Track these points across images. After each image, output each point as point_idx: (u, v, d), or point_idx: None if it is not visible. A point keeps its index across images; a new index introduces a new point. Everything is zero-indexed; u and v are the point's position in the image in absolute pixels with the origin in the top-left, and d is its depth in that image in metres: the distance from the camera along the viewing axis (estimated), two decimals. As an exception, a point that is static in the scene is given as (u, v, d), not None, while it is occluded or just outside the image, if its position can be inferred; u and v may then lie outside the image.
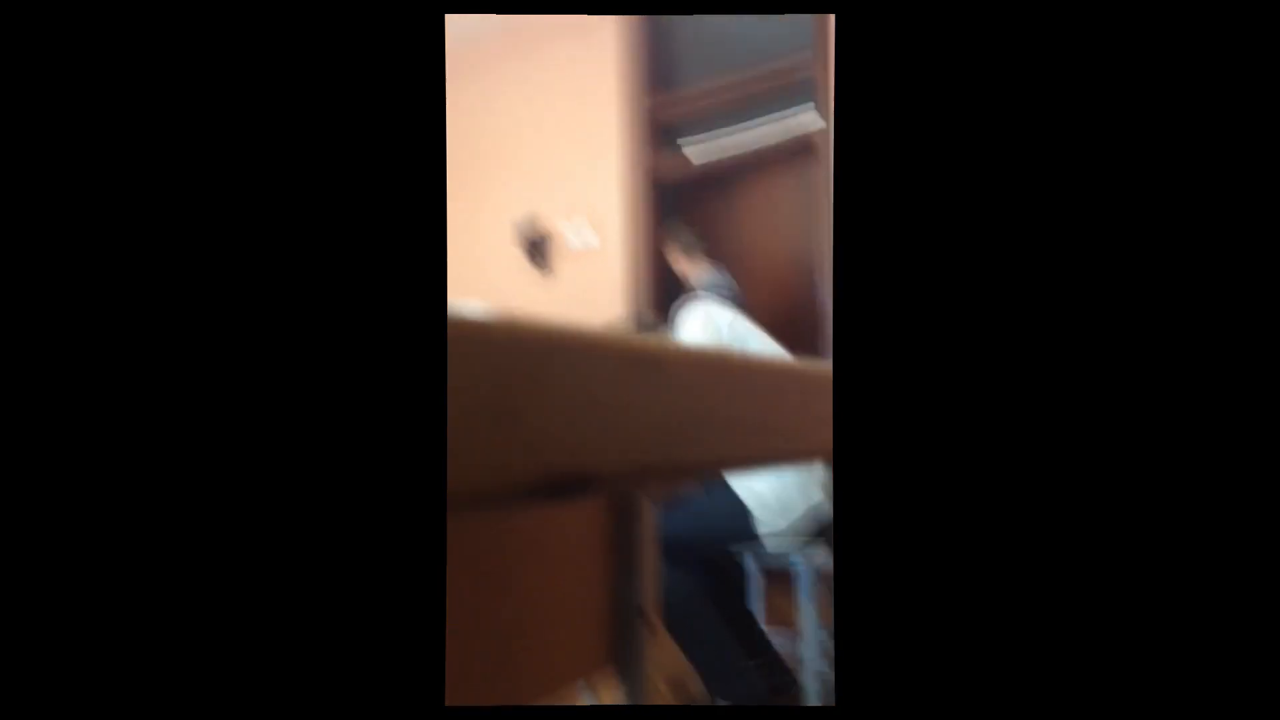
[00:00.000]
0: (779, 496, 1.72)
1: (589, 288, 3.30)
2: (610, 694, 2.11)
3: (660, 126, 3.17)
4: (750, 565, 2.26)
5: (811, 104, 2.75)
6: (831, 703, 1.89)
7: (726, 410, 0.24)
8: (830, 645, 2.14)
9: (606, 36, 3.14)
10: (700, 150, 3.12)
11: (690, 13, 2.85)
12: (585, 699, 1.78)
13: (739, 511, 1.72)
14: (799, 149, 2.83)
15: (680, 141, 3.14)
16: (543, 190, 3.37)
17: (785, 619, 2.27)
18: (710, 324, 1.72)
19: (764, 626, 1.87)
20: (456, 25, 3.37)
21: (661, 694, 1.99)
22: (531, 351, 0.18)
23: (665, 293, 3.00)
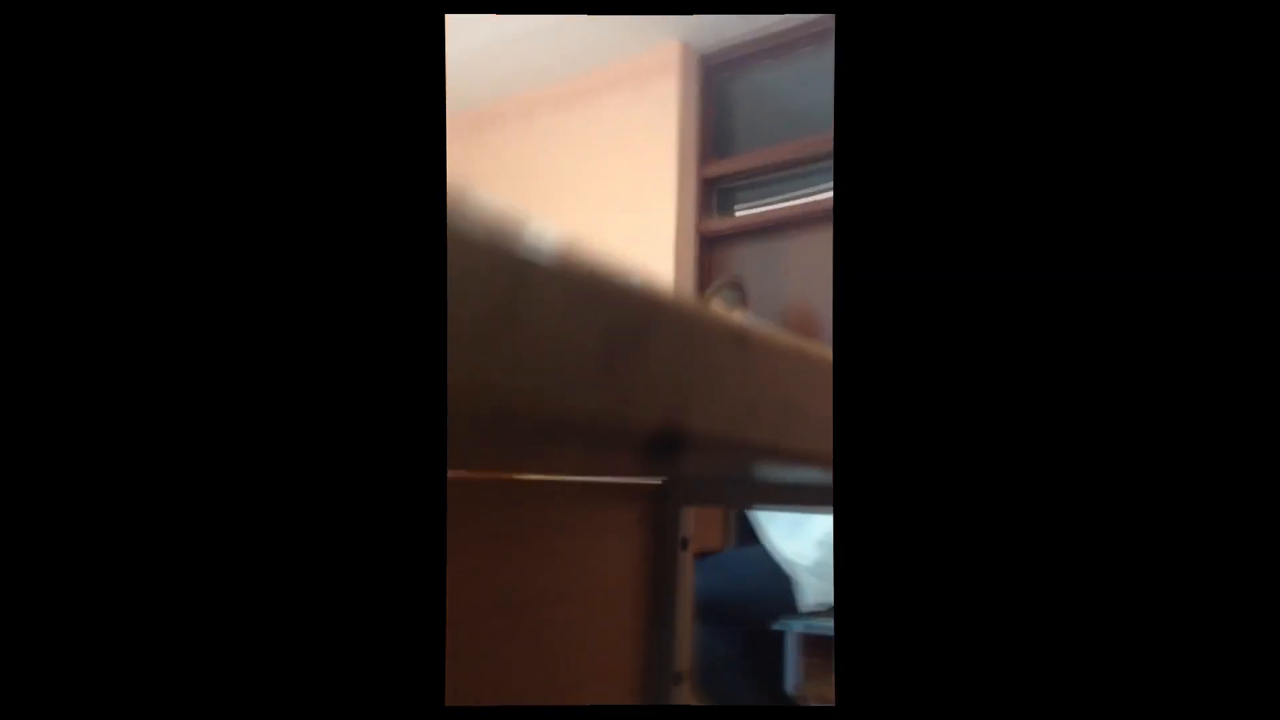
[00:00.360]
0: (825, 570, 1.66)
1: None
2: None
3: (715, 189, 3.23)
4: (789, 637, 2.17)
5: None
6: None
7: (803, 399, 0.24)
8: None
9: (666, 91, 3.23)
10: (753, 212, 3.16)
11: (690, 13, 2.88)
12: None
13: (782, 582, 1.66)
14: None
15: (736, 208, 3.19)
16: (594, 244, 3.43)
17: (824, 699, 2.16)
18: None
19: (800, 708, 1.77)
20: (504, 77, 3.51)
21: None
22: (637, 309, 0.18)
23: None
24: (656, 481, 1.10)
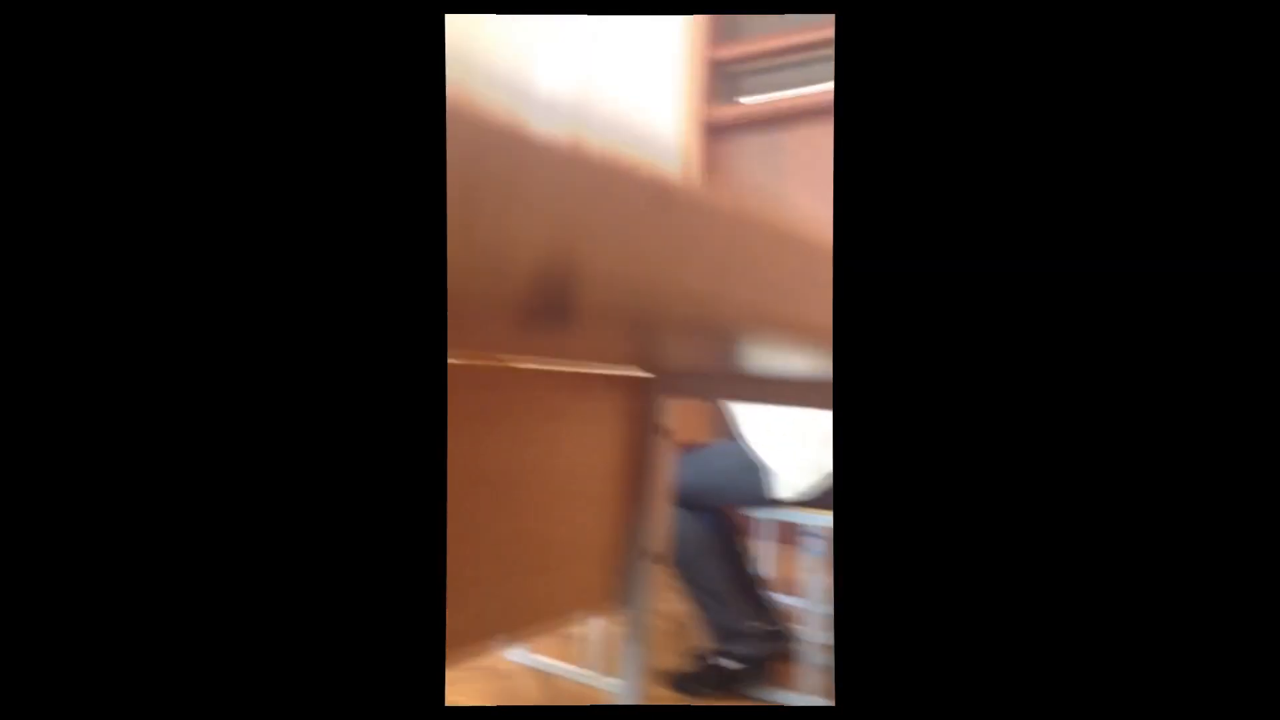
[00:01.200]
0: (799, 461, 1.70)
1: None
2: (612, 629, 2.14)
3: (721, 75, 3.09)
4: (762, 525, 2.26)
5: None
6: (829, 676, 1.90)
7: (726, 257, 0.23)
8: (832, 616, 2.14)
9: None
10: (759, 100, 3.05)
11: (690, 12, 2.79)
12: (584, 631, 1.82)
13: (756, 471, 1.71)
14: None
15: (741, 98, 3.07)
16: (600, 135, 3.33)
17: (790, 583, 2.28)
18: None
19: (768, 591, 1.87)
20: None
21: (662, 635, 2.03)
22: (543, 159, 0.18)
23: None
24: (642, 374, 1.12)
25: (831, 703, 1.71)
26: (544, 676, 1.83)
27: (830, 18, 2.70)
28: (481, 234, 0.15)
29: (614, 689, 1.75)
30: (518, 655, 1.92)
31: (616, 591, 1.17)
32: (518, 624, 1.01)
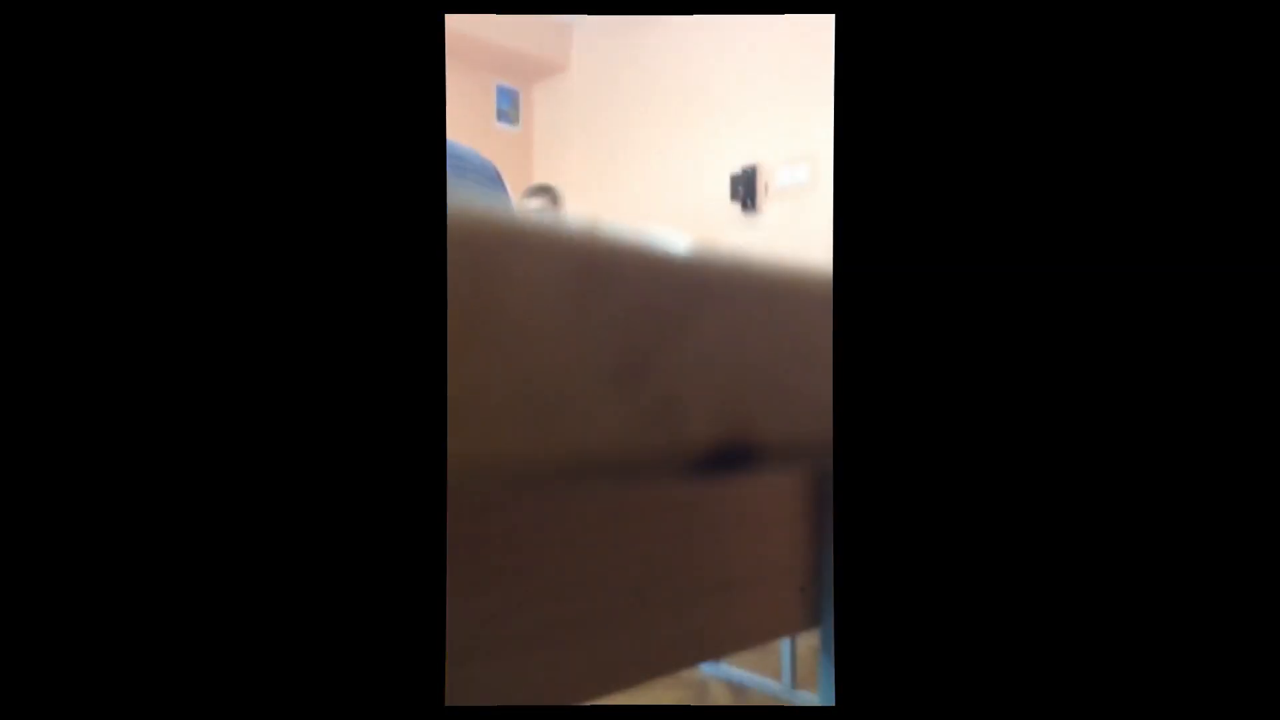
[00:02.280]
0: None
1: (796, 226, 3.19)
2: (806, 643, 2.10)
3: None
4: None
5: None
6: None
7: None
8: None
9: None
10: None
11: (690, 13, 2.64)
12: (778, 644, 1.78)
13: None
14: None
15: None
16: (759, 136, 3.30)
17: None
18: None
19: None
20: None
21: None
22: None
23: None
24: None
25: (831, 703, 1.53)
26: (737, 688, 1.82)
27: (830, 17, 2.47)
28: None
29: (807, 702, 1.70)
30: (711, 667, 1.92)
31: (812, 617, 1.12)
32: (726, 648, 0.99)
